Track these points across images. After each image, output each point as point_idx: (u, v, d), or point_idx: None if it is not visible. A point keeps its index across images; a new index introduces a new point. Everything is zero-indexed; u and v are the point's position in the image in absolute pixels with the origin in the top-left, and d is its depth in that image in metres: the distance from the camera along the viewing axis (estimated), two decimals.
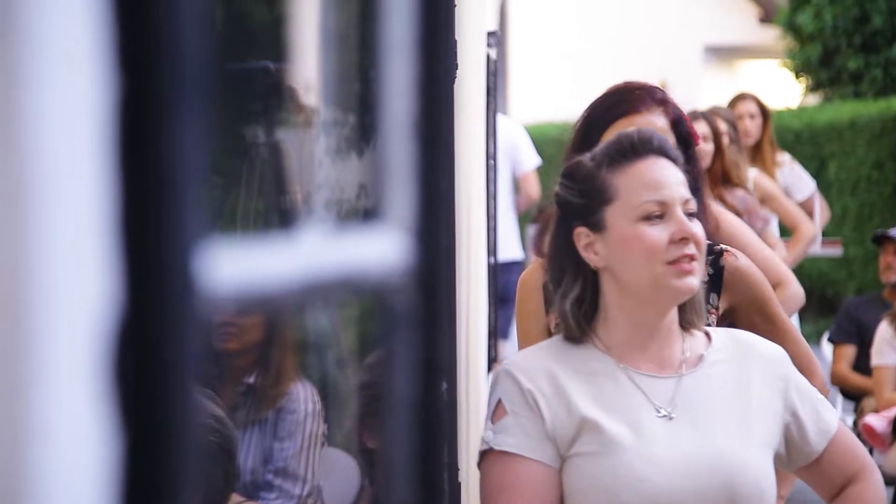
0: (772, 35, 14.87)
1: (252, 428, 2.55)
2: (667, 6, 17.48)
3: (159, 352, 0.71)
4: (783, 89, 15.04)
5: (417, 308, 1.00)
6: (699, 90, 16.44)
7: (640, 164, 2.21)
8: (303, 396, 2.55)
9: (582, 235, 2.22)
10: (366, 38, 1.07)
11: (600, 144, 2.26)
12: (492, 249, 6.13)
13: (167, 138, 0.74)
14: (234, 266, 0.81)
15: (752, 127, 6.47)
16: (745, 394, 2.25)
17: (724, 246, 2.72)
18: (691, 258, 2.19)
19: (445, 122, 1.00)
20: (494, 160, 6.27)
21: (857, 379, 6.54)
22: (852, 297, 8.53)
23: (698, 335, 2.28)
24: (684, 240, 2.18)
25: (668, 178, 2.21)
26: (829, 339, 6.76)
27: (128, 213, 0.73)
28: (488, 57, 5.84)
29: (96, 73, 0.73)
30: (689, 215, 2.21)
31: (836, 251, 9.03)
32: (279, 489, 2.52)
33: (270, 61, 1.54)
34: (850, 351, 6.68)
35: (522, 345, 2.73)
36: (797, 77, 13.54)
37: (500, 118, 8.23)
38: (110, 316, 0.72)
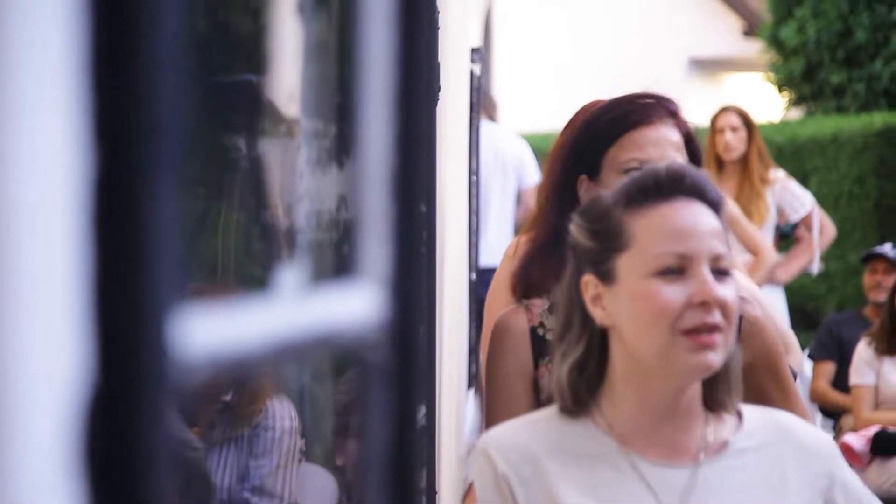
0: (756, 48, 14.92)
1: (228, 446, 2.54)
2: (651, 18, 17.54)
3: (132, 425, 0.71)
4: (767, 102, 15.09)
5: (393, 362, 1.00)
6: (683, 103, 16.46)
7: (665, 208, 1.82)
8: (279, 413, 2.54)
9: (590, 285, 1.85)
10: (344, 54, 1.07)
11: (624, 180, 1.89)
12: (473, 266, 6.16)
13: (143, 207, 0.74)
14: (208, 330, 0.81)
15: (734, 140, 6.36)
16: (777, 493, 1.83)
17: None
18: (713, 328, 1.76)
19: (423, 173, 1.01)
20: (477, 176, 6.31)
21: (836, 396, 6.56)
22: (834, 313, 8.55)
23: (727, 416, 1.87)
24: (705, 304, 1.76)
25: (696, 226, 1.80)
26: (809, 356, 6.77)
27: (101, 283, 0.73)
28: (472, 73, 5.86)
29: (72, 144, 0.73)
30: (720, 273, 1.79)
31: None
32: None
33: (252, 73, 1.54)
34: (829, 368, 6.69)
35: (502, 406, 2.33)
36: (780, 91, 13.59)
37: (505, 133, 8.46)
38: (82, 389, 0.72)
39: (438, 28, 3.06)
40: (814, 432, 1.92)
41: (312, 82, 1.25)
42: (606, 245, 1.83)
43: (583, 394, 1.83)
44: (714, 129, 6.47)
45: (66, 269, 0.73)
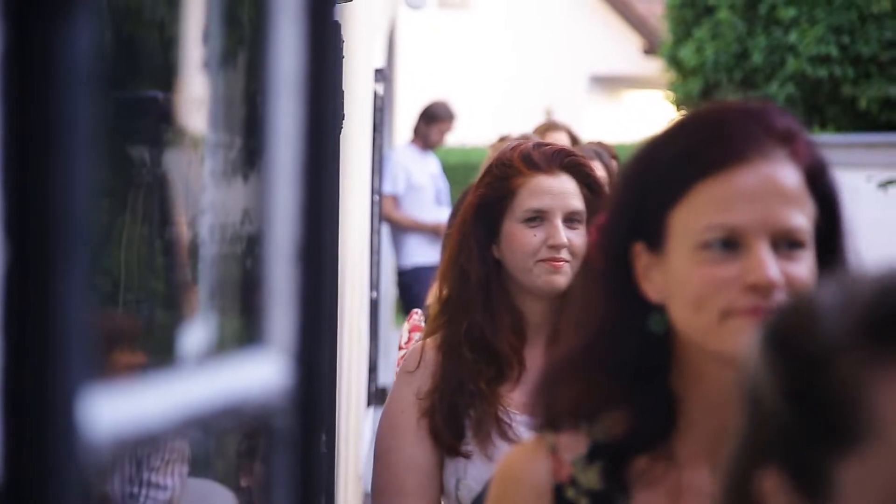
0: (656, 66, 15.14)
1: None
2: (553, 36, 17.70)
3: None
4: (667, 119, 15.30)
5: (295, 428, 1.01)
6: (584, 119, 16.68)
7: None
8: None
9: (777, 494, 0.95)
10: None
11: (864, 295, 0.94)
12: (374, 284, 6.18)
13: (54, 295, 0.75)
14: (114, 411, 0.82)
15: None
16: None
17: None
18: None
19: (328, 245, 1.02)
20: (380, 195, 6.34)
21: None
22: None
23: None
24: None
25: None
26: None
27: (9, 373, 0.74)
28: (375, 93, 5.89)
29: None
30: None
31: None
32: (148, 497, 2.53)
33: (159, 87, 1.54)
34: None
35: None
36: (679, 110, 13.80)
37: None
38: None
39: (343, 56, 3.07)
40: None
41: (218, 101, 1.26)
42: (822, 429, 0.91)
43: None
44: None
45: None
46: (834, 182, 1.43)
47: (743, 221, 1.38)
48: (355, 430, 5.34)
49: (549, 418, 1.48)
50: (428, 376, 2.33)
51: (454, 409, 2.23)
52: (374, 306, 6.25)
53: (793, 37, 12.48)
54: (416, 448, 2.35)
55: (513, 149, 2.44)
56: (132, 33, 1.43)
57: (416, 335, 3.05)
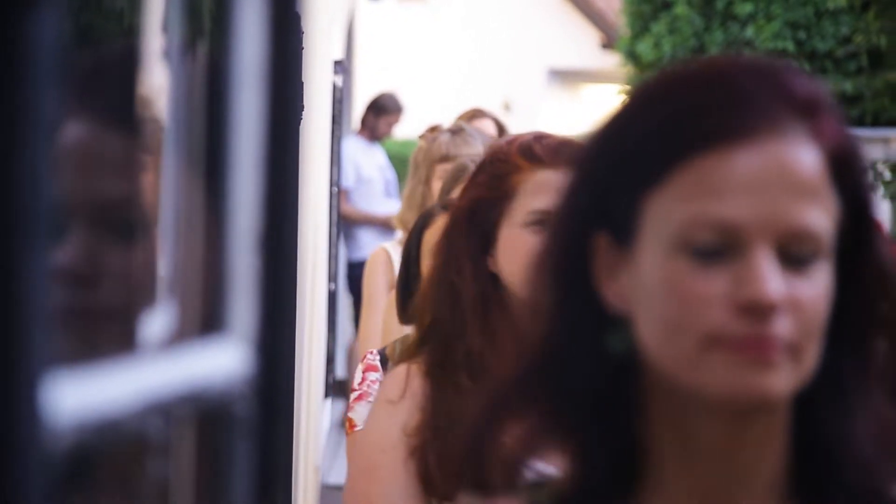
0: (614, 61, 15.21)
1: None
2: (511, 29, 17.74)
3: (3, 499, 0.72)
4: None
5: (255, 417, 1.02)
6: (542, 112, 16.73)
7: None
8: None
9: None
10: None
11: None
12: (333, 276, 6.19)
13: (16, 284, 0.75)
14: (76, 398, 0.82)
15: None
16: None
17: None
18: None
19: (289, 235, 1.03)
20: (338, 187, 6.36)
21: None
22: None
23: None
24: None
25: None
26: None
27: None
28: (334, 85, 5.89)
29: None
30: None
31: None
32: None
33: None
34: None
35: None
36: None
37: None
38: None
39: (303, 48, 3.07)
40: None
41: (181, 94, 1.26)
42: None
43: None
44: None
45: None
46: (864, 172, 1.07)
47: (740, 217, 1.03)
48: (314, 421, 5.34)
49: (480, 479, 1.11)
50: (415, 408, 1.93)
51: (451, 449, 1.82)
52: (333, 298, 6.25)
53: (749, 32, 12.56)
54: (399, 496, 1.92)
55: (509, 142, 2.04)
56: (91, 22, 1.43)
57: (371, 375, 2.55)
